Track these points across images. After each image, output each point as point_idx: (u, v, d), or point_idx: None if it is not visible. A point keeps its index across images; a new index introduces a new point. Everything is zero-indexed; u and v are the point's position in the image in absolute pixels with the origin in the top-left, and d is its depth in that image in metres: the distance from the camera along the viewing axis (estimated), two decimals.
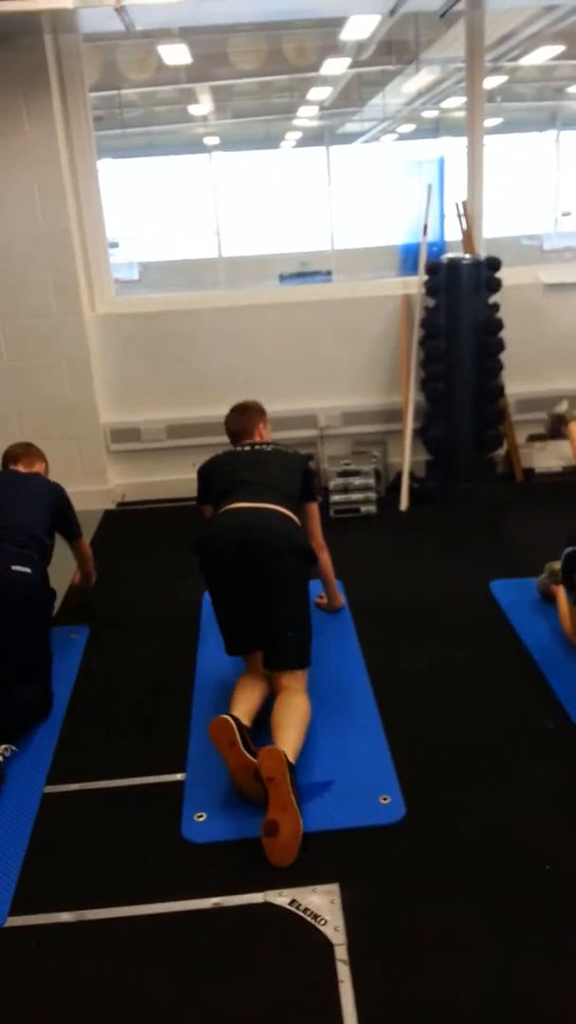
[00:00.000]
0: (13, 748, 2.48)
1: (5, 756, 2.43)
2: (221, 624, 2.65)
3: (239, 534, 2.53)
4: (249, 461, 2.93)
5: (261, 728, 2.40)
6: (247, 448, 3.03)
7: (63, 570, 3.49)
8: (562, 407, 3.00)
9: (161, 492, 4.68)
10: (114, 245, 6.03)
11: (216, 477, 2.92)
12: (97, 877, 2.06)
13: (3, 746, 2.45)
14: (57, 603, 3.40)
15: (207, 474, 3.01)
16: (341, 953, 1.79)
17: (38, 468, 3.24)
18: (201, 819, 2.21)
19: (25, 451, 3.26)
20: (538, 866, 2.00)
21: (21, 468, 3.19)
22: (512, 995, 1.69)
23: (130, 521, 4.52)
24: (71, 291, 4.34)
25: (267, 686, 2.54)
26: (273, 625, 2.51)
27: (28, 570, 2.67)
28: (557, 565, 3.08)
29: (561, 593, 2.99)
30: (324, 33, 7.07)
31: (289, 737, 2.26)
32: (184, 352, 4.57)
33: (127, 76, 7.19)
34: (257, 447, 3.03)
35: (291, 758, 2.17)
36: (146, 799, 2.33)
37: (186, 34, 5.66)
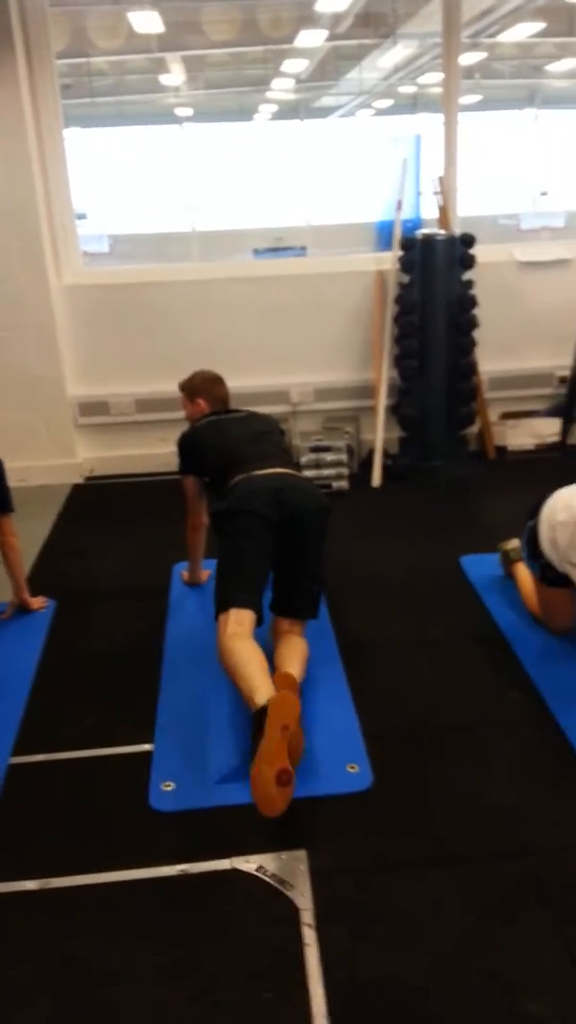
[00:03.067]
0: None
1: None
2: (231, 577, 2.52)
3: (273, 495, 2.59)
4: (242, 428, 2.96)
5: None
6: (231, 415, 3.04)
7: (26, 543, 3.45)
8: (511, 544, 3.07)
9: (130, 466, 4.64)
10: (82, 216, 5.92)
11: (209, 448, 2.92)
12: (63, 846, 2.05)
13: None
14: (24, 578, 3.37)
15: (192, 445, 3.00)
16: (307, 918, 1.80)
17: None
18: (168, 788, 2.20)
19: None
20: (503, 833, 2.02)
21: None
22: (478, 961, 1.71)
23: (98, 495, 4.48)
24: (36, 260, 4.26)
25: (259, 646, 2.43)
26: (301, 577, 2.64)
27: None
28: (508, 544, 3.11)
29: (522, 570, 3.01)
30: (300, 3, 6.98)
31: (295, 667, 2.42)
32: (154, 325, 4.52)
33: (96, 43, 7.05)
34: (240, 412, 3.09)
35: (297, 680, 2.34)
36: (113, 769, 2.31)
37: (157, 1, 5.55)
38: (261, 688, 2.18)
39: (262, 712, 2.07)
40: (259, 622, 2.48)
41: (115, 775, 2.29)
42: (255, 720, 2.11)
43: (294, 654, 2.49)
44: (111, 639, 3.01)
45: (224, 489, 2.72)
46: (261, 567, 2.59)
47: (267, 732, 2.02)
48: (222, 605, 2.47)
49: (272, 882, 1.89)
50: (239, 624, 2.41)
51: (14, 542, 3.04)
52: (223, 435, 2.95)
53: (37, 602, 3.17)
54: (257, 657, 2.31)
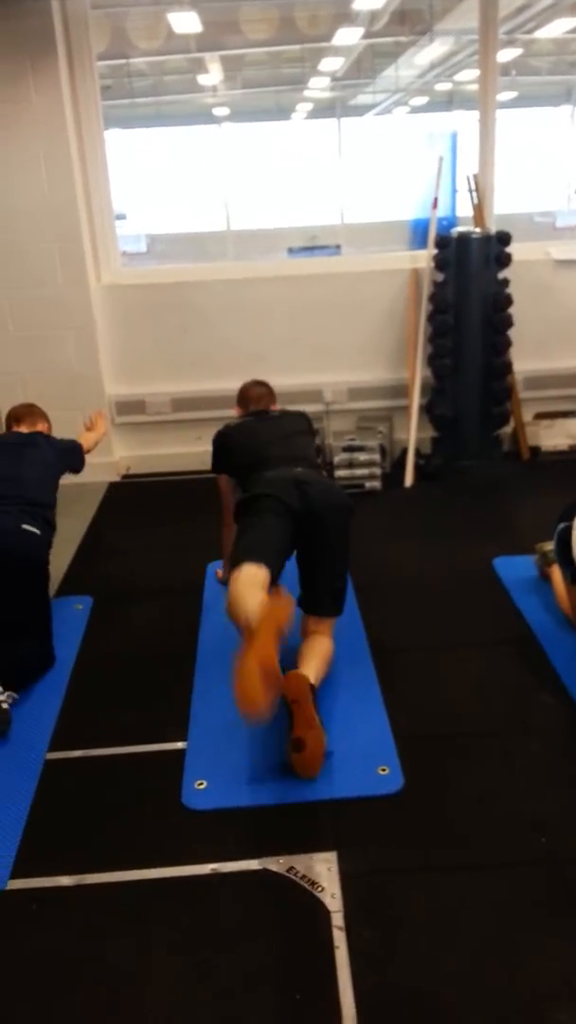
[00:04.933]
0: (15, 695, 2.54)
1: (8, 703, 2.48)
2: (247, 543, 2.47)
3: (296, 486, 2.61)
4: (271, 430, 3.00)
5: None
6: (263, 417, 3.07)
7: (64, 541, 3.50)
8: (549, 545, 3.04)
9: (165, 465, 4.68)
10: (121, 217, 5.99)
11: (238, 447, 2.96)
12: (97, 842, 2.09)
13: (6, 693, 2.50)
14: (60, 573, 3.43)
15: (224, 444, 3.05)
16: (337, 920, 1.81)
17: (41, 428, 3.25)
18: (201, 787, 2.23)
19: (28, 411, 3.29)
20: (534, 839, 2.02)
21: (24, 429, 3.21)
22: (506, 966, 1.71)
23: (134, 493, 4.53)
24: (77, 261, 4.31)
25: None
26: (324, 574, 2.65)
27: (37, 531, 2.75)
28: (547, 546, 3.09)
29: (556, 572, 2.99)
30: (337, 2, 6.96)
31: (312, 664, 2.41)
32: (190, 324, 4.55)
33: (136, 44, 7.10)
34: (273, 413, 3.14)
35: (313, 682, 2.30)
36: (147, 766, 2.34)
37: (196, 1, 5.58)
38: (256, 612, 2.13)
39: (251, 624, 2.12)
40: (274, 581, 2.39)
41: (149, 772, 2.32)
42: (245, 633, 2.13)
43: (314, 655, 2.49)
44: (146, 637, 3.04)
45: (248, 486, 2.76)
46: (280, 540, 2.53)
47: (260, 630, 2.02)
48: (235, 563, 2.39)
49: (303, 883, 1.91)
50: (249, 576, 2.32)
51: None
52: (252, 436, 2.99)
53: (103, 422, 3.56)
54: (262, 593, 2.24)
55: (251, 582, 2.29)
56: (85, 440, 3.38)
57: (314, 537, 2.61)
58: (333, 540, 2.65)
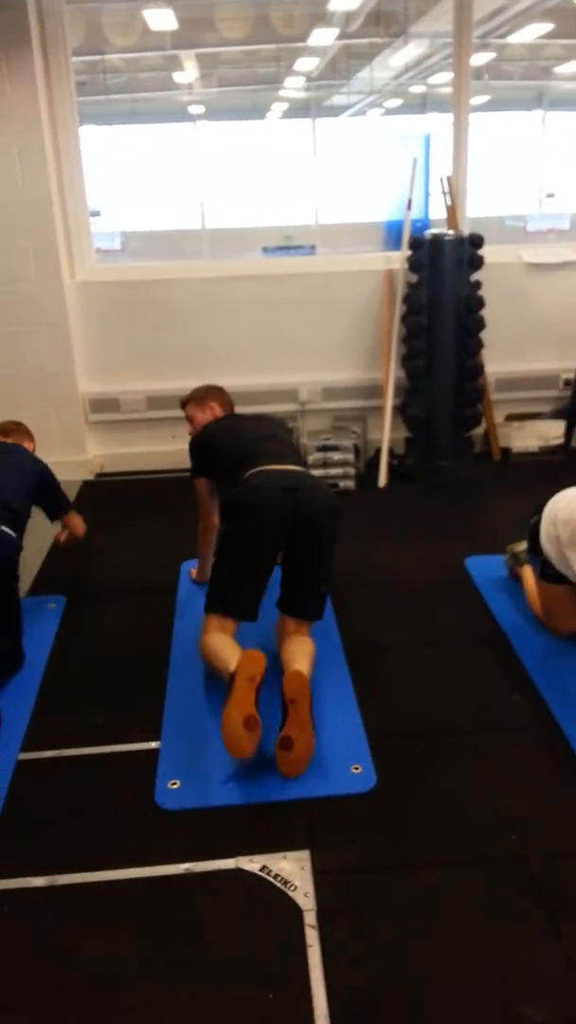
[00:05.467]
0: None
1: None
2: (230, 581, 2.62)
3: (288, 493, 2.62)
4: (254, 427, 3.01)
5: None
6: (239, 416, 3.08)
7: (37, 539, 3.48)
8: (520, 546, 3.07)
9: (140, 463, 4.66)
10: (96, 214, 5.94)
11: (222, 447, 2.94)
12: (70, 843, 2.08)
13: None
14: (33, 572, 3.40)
15: (203, 446, 3.02)
16: (310, 919, 1.82)
17: (27, 444, 3.30)
18: (175, 786, 2.22)
19: (15, 428, 3.34)
20: (505, 836, 2.04)
21: (8, 442, 3.23)
22: (479, 962, 1.73)
23: (108, 492, 4.51)
24: (50, 257, 4.28)
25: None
26: (310, 578, 2.67)
27: (13, 533, 2.75)
28: (518, 547, 3.13)
29: (527, 572, 3.03)
30: (312, 2, 6.97)
31: (305, 664, 2.44)
32: (165, 322, 4.54)
33: (111, 40, 7.05)
34: (246, 415, 3.14)
35: (307, 675, 2.38)
36: (120, 767, 2.34)
37: None
38: (233, 660, 2.35)
39: (234, 674, 2.27)
40: (252, 619, 2.62)
41: (122, 772, 2.31)
42: (228, 683, 2.28)
43: (303, 653, 2.51)
44: (119, 636, 3.03)
45: (236, 484, 2.74)
46: (262, 566, 2.63)
47: (236, 683, 2.22)
48: (215, 605, 2.60)
49: (276, 882, 1.92)
50: (222, 628, 2.57)
51: (78, 522, 3.38)
52: (236, 433, 2.98)
53: (82, 527, 3.40)
54: (233, 644, 2.50)
55: (223, 632, 2.55)
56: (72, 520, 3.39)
57: (302, 541, 2.62)
58: (321, 544, 2.67)
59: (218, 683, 2.65)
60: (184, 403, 3.30)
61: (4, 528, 2.72)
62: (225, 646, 2.48)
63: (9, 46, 3.96)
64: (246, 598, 2.61)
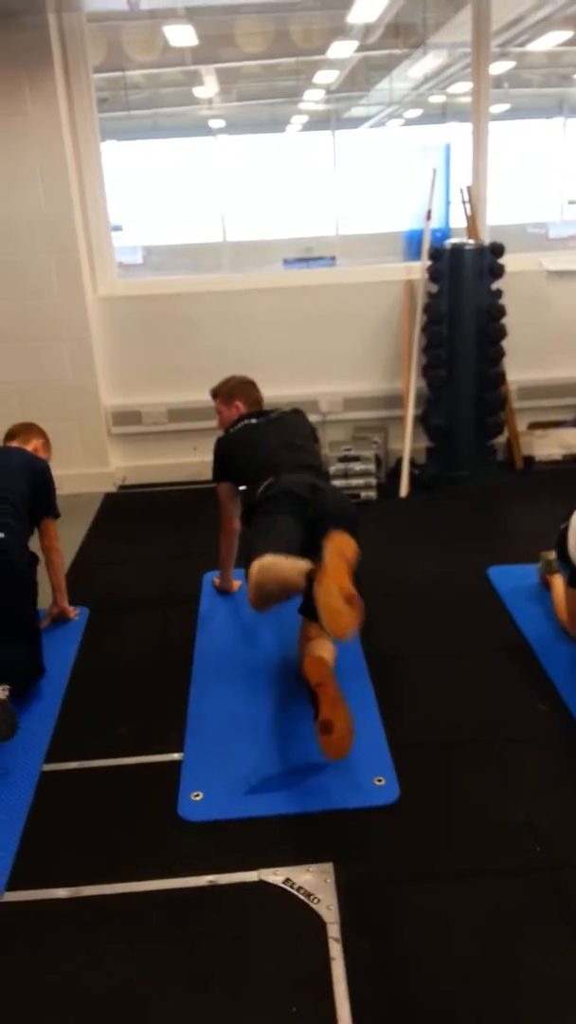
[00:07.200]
0: (8, 687, 2.46)
1: (5, 695, 2.43)
2: (264, 538, 2.53)
3: (310, 491, 2.64)
4: (277, 435, 2.99)
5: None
6: (267, 418, 3.08)
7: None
8: (551, 554, 3.05)
9: (161, 475, 4.69)
10: (117, 228, 6.00)
11: (243, 456, 2.95)
12: (93, 854, 2.08)
13: (2, 685, 2.45)
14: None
15: (227, 451, 3.04)
16: (334, 931, 1.81)
17: (34, 444, 3.24)
18: (198, 798, 2.22)
19: (23, 429, 3.28)
20: (528, 848, 2.02)
21: (16, 444, 3.21)
22: (505, 975, 1.71)
23: (130, 504, 4.53)
24: (73, 273, 4.33)
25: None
26: None
27: (2, 535, 2.67)
28: (550, 554, 3.10)
29: (557, 581, 3.00)
30: (331, 15, 7.00)
31: (327, 647, 2.41)
32: (186, 335, 4.57)
33: (132, 57, 7.13)
34: (273, 414, 3.13)
35: (330, 663, 2.32)
36: (143, 778, 2.34)
37: (191, 15, 5.61)
38: (304, 561, 2.29)
39: (313, 571, 2.18)
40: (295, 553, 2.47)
41: (145, 784, 2.32)
42: (309, 578, 2.19)
43: (324, 647, 2.47)
44: (142, 648, 3.04)
45: (256, 493, 2.75)
46: (295, 534, 2.58)
47: (328, 559, 2.13)
48: (256, 551, 2.45)
49: (299, 895, 1.91)
50: (272, 557, 2.38)
51: (58, 546, 3.13)
52: (258, 442, 2.98)
53: (74, 612, 3.22)
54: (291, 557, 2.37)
55: (276, 558, 2.36)
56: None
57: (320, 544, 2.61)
58: None
59: (241, 694, 2.65)
60: (214, 394, 3.31)
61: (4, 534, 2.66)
62: (285, 558, 2.34)
63: (31, 65, 4.02)
64: (286, 541, 2.50)
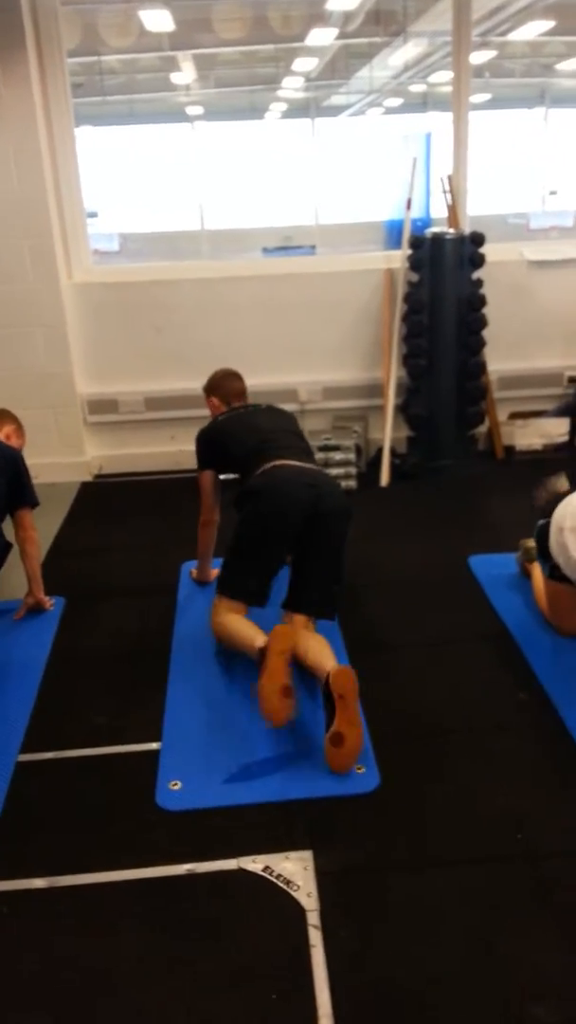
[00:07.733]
0: None
1: None
2: (246, 565, 2.70)
3: (310, 489, 2.64)
4: (269, 420, 3.00)
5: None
6: (251, 407, 3.06)
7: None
8: (531, 542, 3.05)
9: (138, 464, 4.65)
10: (93, 215, 5.93)
11: (235, 440, 2.93)
12: (71, 844, 2.06)
13: None
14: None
15: (214, 439, 3.01)
16: (313, 919, 1.80)
17: (5, 431, 3.19)
18: (176, 787, 2.20)
19: None
20: (509, 836, 2.02)
21: None
22: (485, 962, 1.71)
23: (107, 493, 4.49)
24: (47, 258, 4.26)
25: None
26: (323, 577, 2.70)
27: None
28: (530, 543, 3.10)
29: (536, 570, 3.00)
30: (310, 2, 6.95)
31: (332, 659, 2.43)
32: (163, 323, 4.52)
33: (108, 42, 7.03)
34: (261, 405, 3.12)
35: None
36: (121, 767, 2.32)
37: None
38: (258, 637, 2.45)
39: (263, 649, 2.33)
40: (262, 604, 2.68)
41: (123, 773, 2.29)
42: (258, 658, 2.35)
43: (327, 651, 2.48)
44: (120, 637, 3.01)
45: (252, 475, 2.74)
46: (279, 555, 2.70)
47: (269, 656, 2.28)
48: (228, 589, 2.67)
49: (278, 883, 1.90)
50: (235, 610, 2.66)
51: (34, 536, 3.09)
52: (251, 425, 2.96)
53: (49, 602, 3.18)
54: (250, 623, 2.59)
55: (236, 612, 2.65)
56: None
57: (316, 539, 2.65)
58: (333, 544, 2.70)
59: (219, 683, 2.64)
60: (205, 390, 3.30)
61: None
62: (244, 625, 2.58)
63: (3, 48, 3.94)
64: (260, 583, 2.67)
